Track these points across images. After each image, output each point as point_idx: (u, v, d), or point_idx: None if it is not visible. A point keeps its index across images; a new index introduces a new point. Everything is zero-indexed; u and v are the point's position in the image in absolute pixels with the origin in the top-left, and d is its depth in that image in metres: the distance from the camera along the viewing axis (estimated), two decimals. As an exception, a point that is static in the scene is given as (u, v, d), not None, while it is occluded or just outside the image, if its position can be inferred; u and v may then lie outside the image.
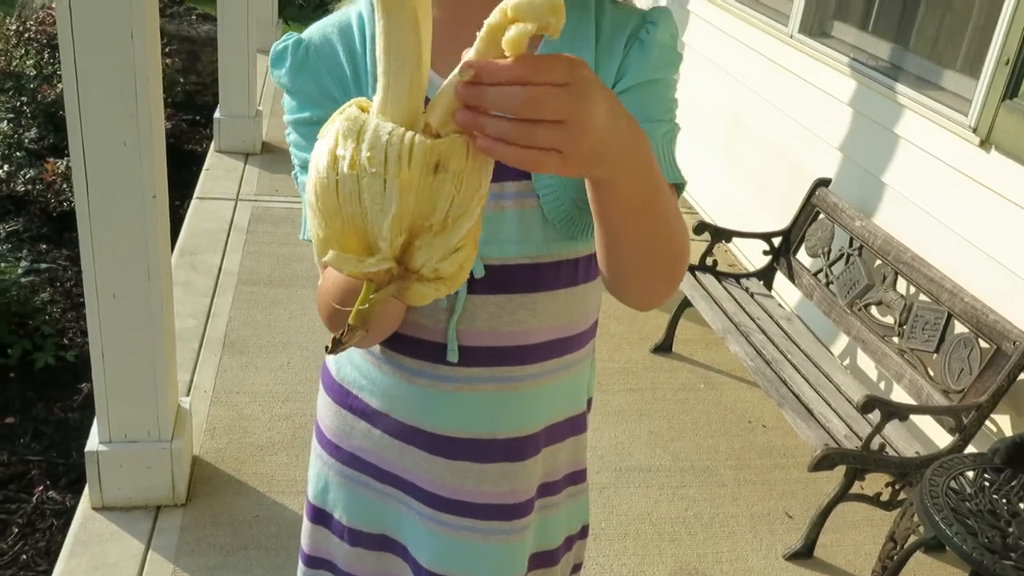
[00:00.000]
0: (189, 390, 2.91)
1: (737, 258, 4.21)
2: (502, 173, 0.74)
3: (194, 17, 8.54)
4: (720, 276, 3.37)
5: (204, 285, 3.54)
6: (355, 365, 1.14)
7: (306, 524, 1.26)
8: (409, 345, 1.07)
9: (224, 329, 3.27)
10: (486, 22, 0.65)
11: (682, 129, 1.08)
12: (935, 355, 2.67)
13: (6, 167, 4.57)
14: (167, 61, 5.79)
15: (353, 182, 0.64)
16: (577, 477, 1.24)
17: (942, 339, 2.66)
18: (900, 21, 3.42)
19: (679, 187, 1.02)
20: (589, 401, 1.24)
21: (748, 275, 3.45)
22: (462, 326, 1.04)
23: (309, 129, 1.00)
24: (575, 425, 1.19)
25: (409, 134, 0.64)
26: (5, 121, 4.89)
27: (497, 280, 1.02)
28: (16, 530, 2.58)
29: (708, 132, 4.57)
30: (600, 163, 0.72)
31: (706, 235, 3.35)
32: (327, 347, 0.71)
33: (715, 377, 3.37)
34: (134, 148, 2.05)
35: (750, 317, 3.12)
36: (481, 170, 0.67)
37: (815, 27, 3.73)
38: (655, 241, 0.88)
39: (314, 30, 1.03)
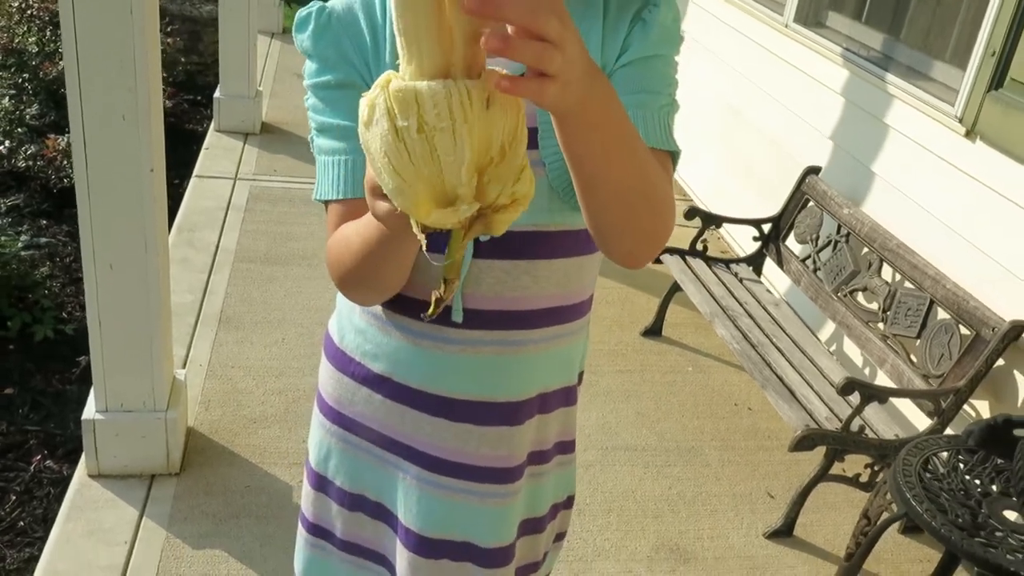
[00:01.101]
0: (185, 363, 2.96)
1: (728, 244, 4.26)
2: None
3: (196, -3, 8.55)
4: (710, 261, 3.42)
5: (201, 262, 3.59)
6: (359, 330, 1.18)
7: (308, 491, 1.30)
8: (415, 307, 1.10)
9: (220, 305, 3.32)
10: None
11: (680, 109, 1.12)
12: (917, 341, 2.72)
13: (7, 143, 4.61)
14: (168, 40, 5.82)
15: (424, 143, 0.69)
16: (567, 447, 1.29)
17: (924, 325, 2.71)
18: (893, 12, 3.45)
19: (674, 156, 1.06)
20: (580, 375, 1.29)
21: (738, 260, 3.49)
22: (467, 289, 1.09)
23: (328, 93, 1.04)
24: (568, 396, 1.24)
25: (461, 83, 0.70)
26: (7, 98, 4.92)
27: (503, 246, 1.07)
28: (14, 498, 2.63)
29: (703, 119, 4.61)
30: (582, 90, 0.76)
31: (697, 220, 3.39)
32: (426, 315, 0.77)
33: (703, 361, 3.42)
34: (132, 122, 2.09)
35: (738, 302, 3.17)
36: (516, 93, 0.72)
37: (810, 17, 3.76)
38: (629, 184, 0.90)
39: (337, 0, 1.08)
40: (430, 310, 0.78)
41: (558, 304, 1.14)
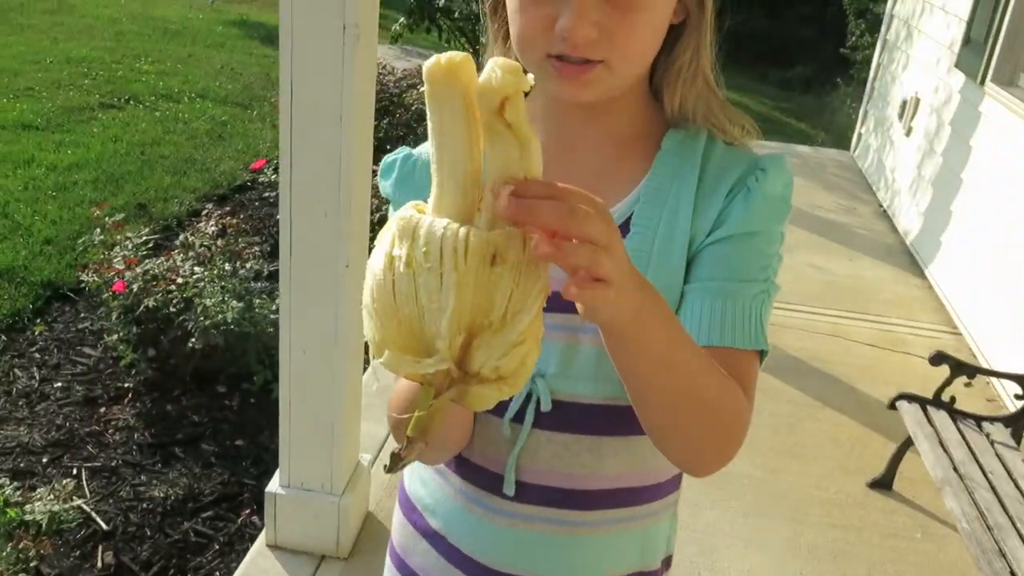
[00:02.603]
0: (382, 445, 3.05)
1: (996, 391, 3.71)
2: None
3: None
4: (956, 415, 2.98)
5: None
6: (423, 481, 1.13)
7: None
8: (471, 470, 1.05)
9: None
10: (483, 123, 0.65)
11: (780, 289, 0.98)
12: None
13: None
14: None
15: (409, 281, 0.64)
16: None
17: None
18: None
19: (763, 354, 0.95)
20: (667, 560, 1.14)
21: (993, 419, 3.02)
22: (523, 461, 1.01)
23: None
24: None
25: (464, 227, 0.65)
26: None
27: (565, 418, 0.99)
28: (216, 547, 2.83)
29: (989, 248, 4.10)
30: (635, 300, 0.72)
31: (944, 367, 2.99)
32: (385, 465, 0.71)
33: (937, 528, 2.97)
34: (333, 218, 2.21)
35: (982, 470, 2.72)
36: (540, 264, 0.67)
37: (1119, 146, 3.24)
38: (682, 397, 0.84)
39: (425, 147, 1.07)
40: (387, 464, 0.71)
41: (627, 485, 1.03)
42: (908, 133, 5.39)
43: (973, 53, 4.42)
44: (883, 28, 6.28)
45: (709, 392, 0.86)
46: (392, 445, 1.06)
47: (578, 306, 0.71)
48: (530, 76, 0.65)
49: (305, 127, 2.12)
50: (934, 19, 5.28)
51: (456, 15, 8.35)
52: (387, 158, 1.07)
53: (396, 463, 0.69)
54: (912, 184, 5.18)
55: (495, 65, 0.64)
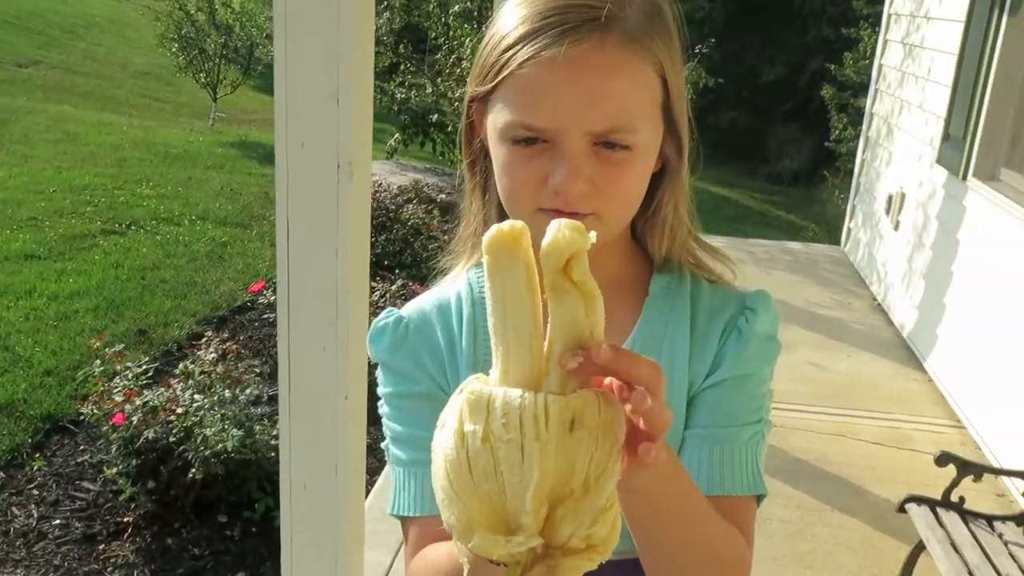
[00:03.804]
0: (388, 572, 3.00)
1: (1008, 489, 3.67)
2: None
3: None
4: (967, 516, 2.94)
5: (427, 462, 3.69)
6: None
7: None
8: None
9: (434, 511, 3.36)
10: (547, 283, 0.66)
11: (772, 427, 1.00)
12: None
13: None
14: (446, 238, 6.31)
15: (488, 455, 0.63)
16: None
17: None
18: None
19: (759, 498, 0.97)
20: None
21: (1005, 518, 2.98)
22: None
23: (401, 403, 1.04)
24: None
25: (541, 395, 0.64)
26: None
27: None
28: None
29: (984, 339, 4.11)
30: (668, 460, 0.74)
31: (951, 467, 2.96)
32: None
33: (958, 635, 2.89)
34: (331, 353, 2.23)
35: (997, 573, 2.67)
36: (615, 421, 0.66)
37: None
38: (690, 548, 0.85)
39: (414, 307, 1.08)
40: None
41: None
42: (896, 227, 5.47)
43: (953, 149, 4.53)
44: (864, 125, 6.45)
45: (718, 541, 0.88)
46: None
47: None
48: (592, 234, 0.66)
49: (301, 264, 2.16)
50: (913, 117, 5.42)
51: (449, 128, 8.58)
52: (377, 323, 1.07)
53: None
54: (904, 278, 5.23)
55: (562, 226, 0.65)
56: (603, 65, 0.86)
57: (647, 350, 0.98)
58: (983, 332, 4.13)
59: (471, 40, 8.34)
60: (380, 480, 3.55)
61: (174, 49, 12.43)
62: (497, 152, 0.94)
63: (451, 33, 8.52)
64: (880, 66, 6.21)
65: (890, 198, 5.57)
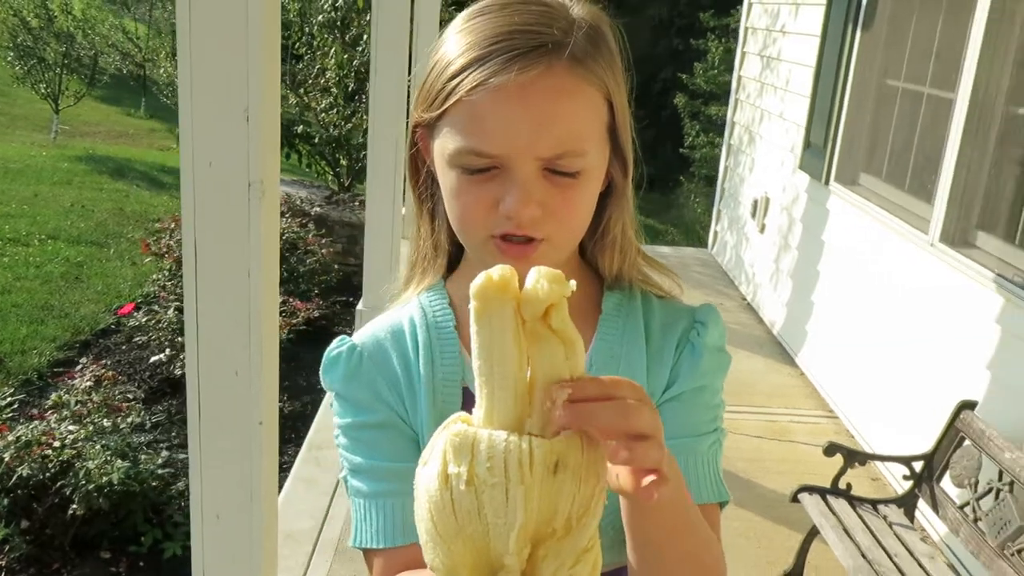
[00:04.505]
0: (297, 599, 2.91)
1: (879, 471, 3.91)
2: None
3: (357, 203, 9.16)
4: (855, 501, 3.12)
5: (326, 483, 3.60)
6: None
7: None
8: None
9: (339, 533, 3.28)
10: (527, 329, 0.67)
11: (727, 434, 1.05)
12: (1105, 619, 2.34)
13: (168, 351, 4.92)
14: (323, 252, 6.18)
15: (472, 498, 0.63)
16: None
17: (1111, 602, 2.33)
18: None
19: (722, 505, 1.00)
20: None
21: (887, 501, 3.18)
22: None
23: (359, 433, 1.00)
24: None
25: (526, 439, 0.64)
26: (172, 308, 5.30)
27: None
28: None
29: (850, 332, 4.38)
30: (672, 477, 0.74)
31: (838, 456, 3.14)
32: None
33: (851, 615, 3.06)
34: (245, 378, 2.14)
35: (887, 554, 2.85)
36: (598, 462, 0.67)
37: (957, 236, 3.56)
38: (685, 558, 0.87)
39: (367, 335, 1.04)
40: None
41: None
42: (762, 230, 5.75)
43: (815, 156, 4.81)
44: (726, 134, 6.75)
45: (710, 547, 0.90)
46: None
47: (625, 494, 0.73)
48: (572, 283, 0.67)
49: (212, 286, 2.07)
50: (774, 125, 5.72)
51: (316, 140, 8.42)
52: (330, 352, 1.03)
53: None
54: (772, 278, 5.50)
55: (539, 276, 0.66)
56: (552, 90, 0.87)
57: (604, 368, 1.00)
58: (848, 327, 4.40)
59: (335, 51, 8.22)
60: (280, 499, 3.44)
61: (9, 58, 11.66)
62: (446, 178, 0.93)
63: (315, 43, 8.36)
64: (740, 77, 6.51)
65: (755, 202, 5.85)
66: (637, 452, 0.67)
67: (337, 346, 1.03)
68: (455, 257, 1.06)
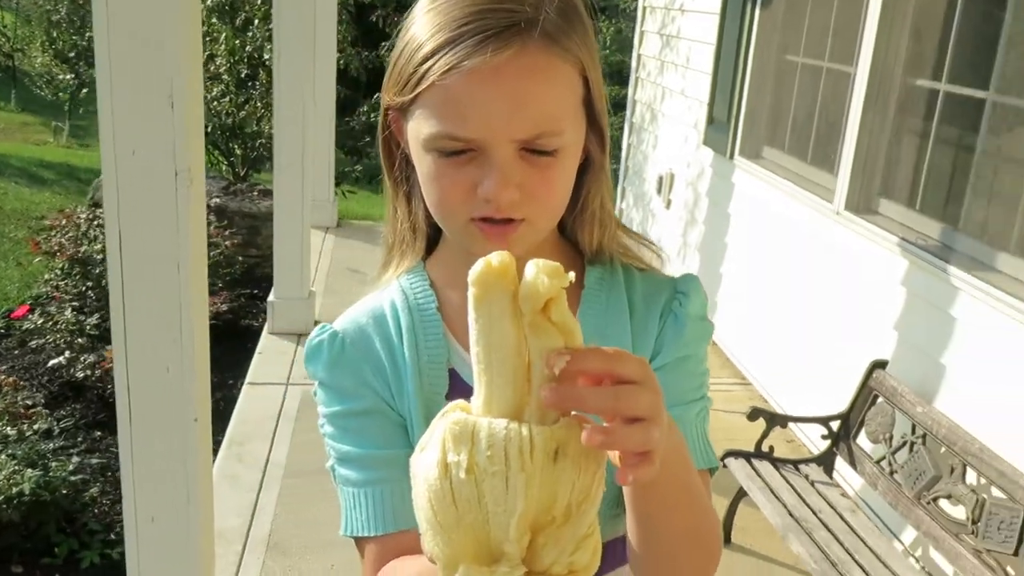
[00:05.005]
0: (230, 599, 2.84)
1: (795, 435, 4.07)
2: None
3: (256, 193, 8.92)
4: (778, 463, 3.24)
5: (251, 479, 3.52)
6: None
7: None
8: None
9: (269, 528, 3.21)
10: (526, 321, 0.66)
11: (712, 403, 1.07)
12: (1015, 557, 2.49)
13: (68, 354, 4.69)
14: (226, 244, 6.00)
15: (472, 487, 0.62)
16: None
17: (1021, 541, 2.48)
18: (947, 200, 3.38)
19: (712, 471, 1.02)
20: None
21: (807, 460, 3.31)
22: None
23: (346, 421, 0.98)
24: None
25: (526, 426, 0.64)
26: (69, 308, 5.06)
27: None
28: None
29: (760, 302, 4.52)
30: (667, 452, 0.73)
31: (761, 420, 3.24)
32: None
33: (779, 572, 3.18)
34: (177, 374, 2.07)
35: (812, 510, 2.96)
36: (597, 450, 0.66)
37: (861, 204, 3.71)
38: (687, 528, 0.87)
39: (348, 321, 1.03)
40: None
41: None
42: (668, 206, 5.86)
43: (718, 131, 4.92)
44: (628, 112, 6.84)
45: (709, 518, 0.92)
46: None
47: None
48: (571, 275, 0.67)
49: (139, 280, 1.98)
50: (676, 103, 5.83)
51: (209, 129, 8.15)
52: (312, 340, 1.01)
53: None
54: (680, 252, 5.62)
55: (538, 269, 0.65)
56: (527, 70, 0.86)
57: (590, 341, 1.01)
58: (758, 296, 4.54)
59: (225, 36, 7.96)
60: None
61: None
62: (422, 162, 0.92)
63: (206, 29, 8.07)
64: (639, 56, 6.60)
65: (660, 179, 5.96)
66: (615, 436, 0.66)
67: (318, 334, 1.02)
68: (432, 239, 1.05)
